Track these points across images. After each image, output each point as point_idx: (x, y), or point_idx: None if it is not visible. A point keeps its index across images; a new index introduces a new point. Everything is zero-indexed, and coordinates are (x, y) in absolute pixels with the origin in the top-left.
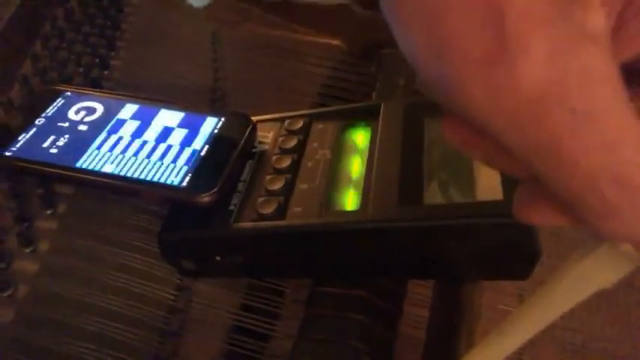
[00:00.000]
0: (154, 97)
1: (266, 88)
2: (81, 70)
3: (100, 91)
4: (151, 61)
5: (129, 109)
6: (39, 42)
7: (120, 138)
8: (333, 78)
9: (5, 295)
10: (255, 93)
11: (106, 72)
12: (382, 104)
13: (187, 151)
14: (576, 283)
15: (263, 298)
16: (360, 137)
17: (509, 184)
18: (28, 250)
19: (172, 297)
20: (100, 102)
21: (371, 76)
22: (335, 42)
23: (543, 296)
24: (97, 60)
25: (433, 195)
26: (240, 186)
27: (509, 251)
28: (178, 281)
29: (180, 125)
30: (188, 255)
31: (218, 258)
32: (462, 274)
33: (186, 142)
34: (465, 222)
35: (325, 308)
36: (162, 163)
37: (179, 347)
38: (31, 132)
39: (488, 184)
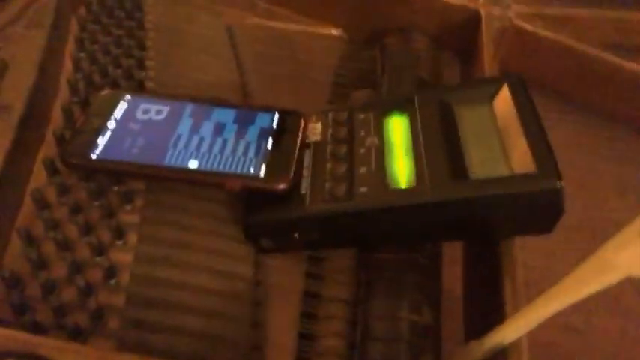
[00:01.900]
0: (208, 96)
1: (284, 80)
2: (119, 71)
3: (157, 94)
4: (178, 59)
5: (191, 112)
6: (74, 45)
7: (194, 136)
8: (343, 67)
9: (112, 282)
10: (276, 85)
11: (144, 73)
12: (415, 95)
13: (256, 145)
14: (603, 268)
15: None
16: (402, 124)
17: (539, 156)
18: (120, 242)
19: (252, 272)
20: (162, 103)
21: (375, 63)
22: (336, 32)
23: (576, 279)
24: (134, 61)
25: (477, 170)
26: (305, 172)
27: (541, 212)
28: (254, 258)
29: (244, 122)
30: (269, 235)
31: (296, 236)
32: (500, 234)
33: (253, 137)
34: (509, 193)
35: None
36: (239, 157)
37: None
38: (108, 135)
39: (521, 158)
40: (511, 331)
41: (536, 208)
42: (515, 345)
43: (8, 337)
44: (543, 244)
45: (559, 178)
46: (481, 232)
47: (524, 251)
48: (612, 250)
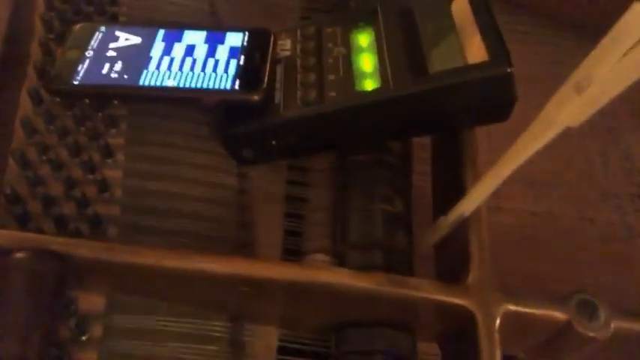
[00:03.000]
0: (178, 22)
1: (253, 6)
2: (92, 8)
3: (129, 24)
4: None
5: (164, 35)
6: None
7: (170, 57)
8: None
9: (107, 195)
10: (245, 11)
11: (116, 8)
12: (378, 4)
13: (229, 62)
14: (548, 122)
15: None
16: (366, 33)
17: (492, 46)
18: (109, 161)
19: (236, 182)
20: (134, 31)
21: None
22: None
23: (526, 135)
24: None
25: (434, 65)
26: (278, 85)
27: (495, 98)
28: (237, 170)
29: (216, 42)
30: (248, 145)
31: (274, 143)
32: (461, 124)
33: (226, 54)
34: (464, 81)
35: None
36: (212, 74)
37: (250, 216)
38: (87, 62)
39: (476, 50)
40: (472, 200)
41: (490, 94)
42: (475, 215)
43: (18, 237)
44: None
45: (509, 64)
46: (443, 123)
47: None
48: (553, 108)
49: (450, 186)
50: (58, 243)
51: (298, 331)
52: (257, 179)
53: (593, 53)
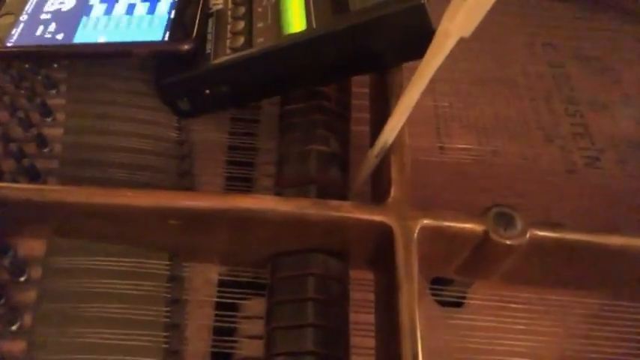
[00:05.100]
0: None
1: None
2: None
3: None
4: None
5: None
6: None
7: (102, 15)
8: None
9: (46, 150)
10: None
11: None
12: None
13: (161, 15)
14: (445, 35)
15: None
16: None
17: None
18: (49, 120)
19: (176, 134)
20: None
21: None
22: None
23: (428, 53)
24: None
25: (355, 3)
26: (210, 36)
27: (413, 31)
28: (177, 124)
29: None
30: (183, 95)
31: (207, 92)
32: (387, 61)
33: (156, 9)
34: (381, 15)
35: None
36: (144, 27)
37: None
38: (21, 26)
39: None
40: (392, 127)
41: (406, 26)
42: (397, 140)
43: None
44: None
45: None
46: (368, 61)
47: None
48: (447, 21)
49: (382, 123)
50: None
51: (237, 265)
52: (199, 132)
53: None
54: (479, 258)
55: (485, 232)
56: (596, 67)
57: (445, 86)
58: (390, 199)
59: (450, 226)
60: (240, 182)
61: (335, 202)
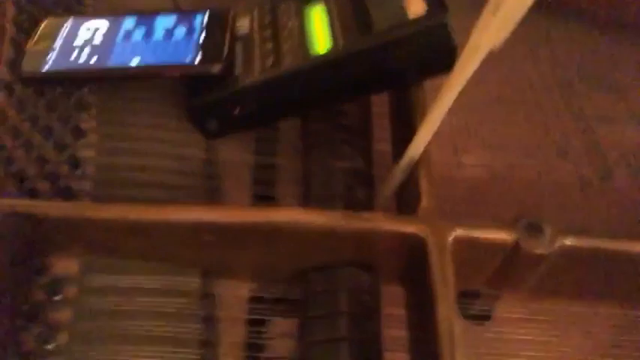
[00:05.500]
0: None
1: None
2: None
3: (96, 15)
4: None
5: (130, 21)
6: None
7: (134, 39)
8: None
9: (79, 172)
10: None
11: (82, 7)
12: None
13: (190, 39)
14: (474, 48)
15: None
16: (318, 6)
17: (430, 0)
18: (82, 140)
19: (204, 153)
20: (102, 21)
21: None
22: None
23: (458, 65)
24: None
25: (379, 23)
26: (238, 60)
27: (436, 48)
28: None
29: (179, 23)
30: (211, 115)
31: (236, 112)
32: (411, 78)
33: (188, 33)
34: (405, 35)
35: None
36: (175, 50)
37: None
38: (56, 51)
39: (416, 6)
40: (419, 141)
41: (430, 44)
42: (424, 155)
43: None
44: None
45: (446, 15)
46: (392, 78)
47: None
48: (477, 35)
49: (406, 139)
50: (23, 205)
51: (268, 282)
52: (225, 151)
53: None
54: (509, 268)
55: (516, 242)
56: (601, 83)
57: (458, 104)
58: (420, 210)
59: (481, 237)
60: (266, 200)
61: (366, 214)
